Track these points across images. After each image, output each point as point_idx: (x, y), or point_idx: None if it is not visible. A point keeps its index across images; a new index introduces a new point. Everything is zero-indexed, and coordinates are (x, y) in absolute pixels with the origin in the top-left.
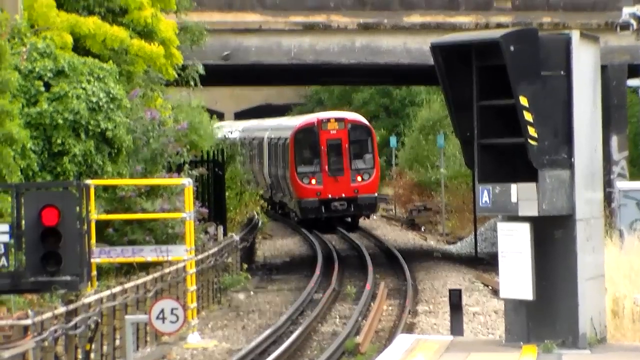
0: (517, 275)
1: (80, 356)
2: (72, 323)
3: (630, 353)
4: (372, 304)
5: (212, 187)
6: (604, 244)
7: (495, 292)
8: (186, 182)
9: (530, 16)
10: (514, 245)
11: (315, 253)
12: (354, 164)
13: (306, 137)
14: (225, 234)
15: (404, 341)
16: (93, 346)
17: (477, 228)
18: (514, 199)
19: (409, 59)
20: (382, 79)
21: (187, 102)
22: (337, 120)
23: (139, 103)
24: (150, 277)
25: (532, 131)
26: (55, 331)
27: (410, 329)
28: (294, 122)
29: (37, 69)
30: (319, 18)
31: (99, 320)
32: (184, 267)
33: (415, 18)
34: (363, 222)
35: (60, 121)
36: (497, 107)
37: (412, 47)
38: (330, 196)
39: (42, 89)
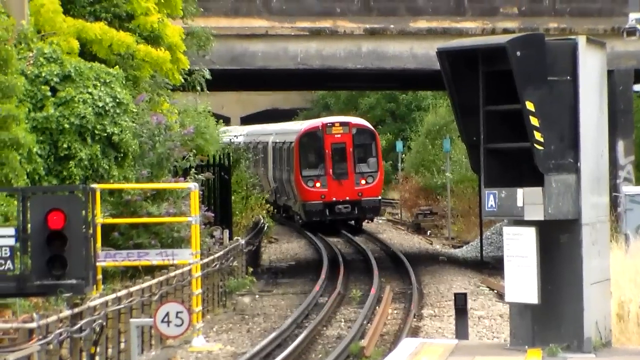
0: (522, 279)
1: (85, 359)
2: (77, 326)
3: (636, 357)
4: (377, 307)
5: (218, 191)
6: (609, 248)
7: (500, 296)
8: (192, 186)
9: (536, 22)
10: (520, 249)
11: (321, 257)
12: (358, 168)
13: (311, 141)
14: (231, 238)
15: (409, 345)
16: (98, 349)
17: (482, 232)
18: (519, 203)
19: (416, 64)
20: (388, 84)
21: (194, 106)
22: (342, 124)
23: (145, 108)
24: (155, 280)
25: (538, 136)
26: (61, 334)
27: (415, 332)
28: (299, 126)
29: (43, 74)
30: (326, 23)
31: (104, 324)
32: (190, 270)
33: (422, 23)
34: (369, 226)
35: (67, 125)
36: (503, 111)
37: (418, 52)
38: (334, 199)
39: (49, 93)
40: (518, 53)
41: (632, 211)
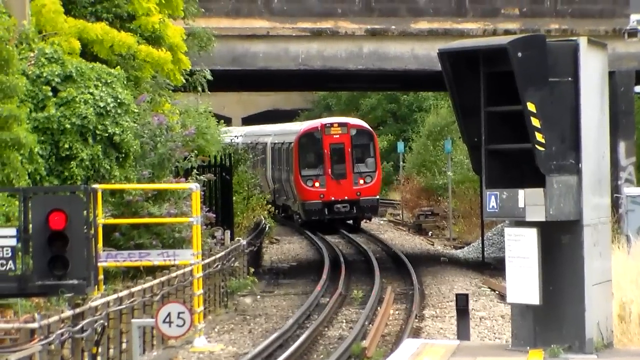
0: (524, 280)
1: (86, 359)
2: (78, 326)
3: (637, 358)
4: (378, 308)
5: (219, 191)
6: (611, 249)
7: (502, 296)
8: (193, 187)
9: (537, 23)
10: (521, 250)
11: (322, 257)
12: (356, 168)
13: (310, 141)
14: (232, 239)
15: (411, 345)
16: (100, 349)
17: (484, 233)
18: (521, 204)
19: (417, 65)
20: (389, 85)
21: (195, 107)
22: (340, 125)
23: (146, 108)
24: (157, 281)
25: (539, 137)
26: (62, 334)
27: (416, 333)
28: (298, 127)
29: (44, 74)
30: (327, 24)
31: (106, 324)
32: (191, 271)
33: (423, 24)
34: (370, 226)
35: (68, 126)
36: (504, 112)
37: (419, 53)
38: (333, 198)
39: (50, 93)
40: (519, 54)
41: (634, 212)
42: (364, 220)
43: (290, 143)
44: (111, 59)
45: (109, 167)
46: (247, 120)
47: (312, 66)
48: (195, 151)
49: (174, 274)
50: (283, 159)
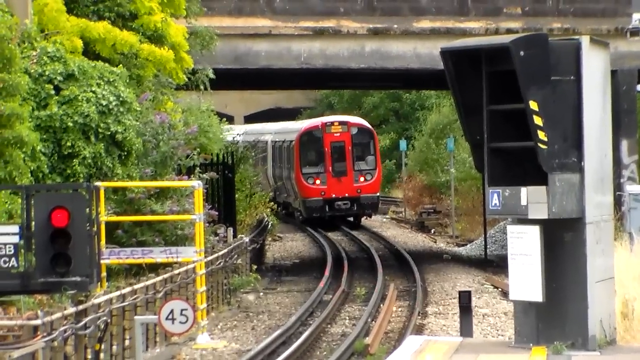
0: (526, 277)
1: (89, 356)
2: (81, 323)
3: None
4: (381, 305)
5: (221, 189)
6: (613, 247)
7: (504, 294)
8: (196, 185)
9: (540, 22)
10: (524, 247)
11: (325, 255)
12: (356, 165)
13: (311, 139)
14: (235, 236)
15: (414, 342)
16: (102, 346)
17: (486, 230)
18: (523, 201)
19: (419, 63)
20: (392, 84)
21: (197, 105)
22: (341, 123)
23: (149, 106)
24: (159, 278)
25: (542, 135)
26: (65, 331)
27: (419, 330)
28: (298, 125)
29: (47, 73)
30: (329, 23)
31: (109, 321)
32: (194, 268)
33: (425, 23)
34: (373, 224)
35: (70, 124)
36: (506, 111)
37: (422, 52)
38: (334, 196)
39: (52, 92)
40: (521, 53)
41: (636, 210)
42: (365, 218)
43: (291, 141)
44: (113, 58)
45: (111, 165)
46: (250, 119)
47: (315, 65)
48: (198, 149)
49: (176, 271)
50: (284, 157)
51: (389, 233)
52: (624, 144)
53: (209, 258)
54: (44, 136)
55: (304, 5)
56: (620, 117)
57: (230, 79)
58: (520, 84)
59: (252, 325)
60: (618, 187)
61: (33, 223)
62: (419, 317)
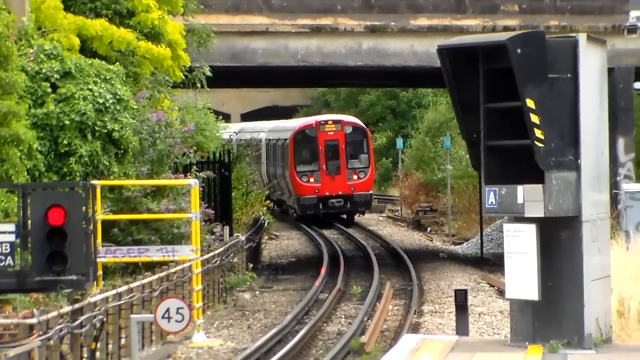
0: (523, 275)
1: (85, 355)
2: (77, 322)
3: (636, 353)
4: (377, 303)
5: (218, 187)
6: (610, 245)
7: (500, 292)
8: (192, 183)
9: (537, 19)
10: (520, 246)
11: (321, 253)
12: (350, 164)
13: (305, 138)
14: (231, 234)
15: (410, 341)
16: (98, 345)
17: (483, 229)
18: (520, 200)
19: (416, 61)
20: (388, 82)
21: (194, 103)
22: (334, 122)
23: (145, 104)
24: (156, 276)
25: (538, 133)
26: (61, 330)
27: (415, 328)
28: (292, 123)
29: (44, 70)
30: (326, 21)
31: (105, 319)
32: (190, 267)
33: (422, 21)
34: (369, 222)
35: (67, 122)
36: (503, 109)
37: (419, 49)
38: (327, 193)
39: (49, 90)
40: (518, 50)
41: (633, 208)
42: (358, 215)
43: (285, 139)
44: (110, 55)
45: (107, 163)
46: (247, 117)
47: (312, 62)
48: (194, 147)
49: (172, 270)
50: (278, 155)
51: (385, 231)
52: (621, 142)
53: (205, 257)
54: (41, 134)
55: (301, 3)
56: (617, 115)
57: (227, 76)
58: (517, 81)
59: (248, 324)
60: (615, 185)
61: (29, 221)
62: (415, 316)
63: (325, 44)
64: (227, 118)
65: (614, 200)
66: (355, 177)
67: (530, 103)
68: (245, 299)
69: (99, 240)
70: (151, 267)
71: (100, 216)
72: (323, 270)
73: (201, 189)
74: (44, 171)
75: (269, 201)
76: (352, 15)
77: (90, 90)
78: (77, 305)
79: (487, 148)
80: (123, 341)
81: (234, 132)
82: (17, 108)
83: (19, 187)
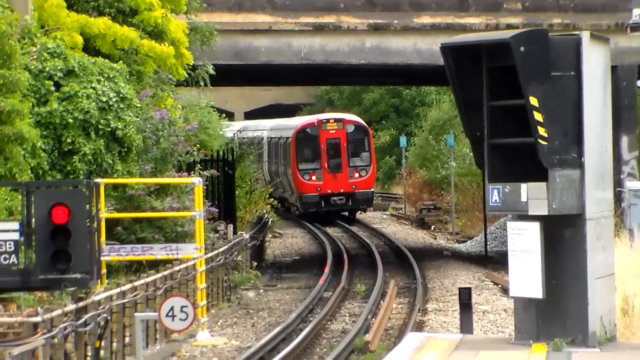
0: (527, 274)
1: (89, 353)
2: (81, 320)
3: None
4: (381, 302)
5: (222, 185)
6: (614, 243)
7: (505, 290)
8: (196, 181)
9: (540, 17)
10: (524, 244)
11: (325, 251)
12: (351, 162)
13: (307, 136)
14: (235, 233)
15: (414, 339)
16: (103, 343)
17: (486, 227)
18: (524, 198)
19: (419, 59)
20: (392, 80)
21: (197, 102)
22: (336, 120)
23: (149, 103)
24: (160, 275)
25: (542, 131)
26: (65, 328)
27: (419, 327)
28: (294, 122)
29: (47, 69)
30: (329, 19)
31: (109, 318)
32: (194, 265)
33: (425, 19)
34: (373, 220)
35: (70, 120)
36: (506, 107)
37: (422, 47)
38: (329, 191)
39: (52, 88)
40: (522, 48)
41: (636, 206)
42: (360, 212)
43: (287, 138)
44: (113, 54)
45: (111, 162)
46: (250, 115)
47: (315, 61)
48: (198, 146)
49: (176, 268)
50: (280, 153)
51: (389, 230)
52: (624, 140)
53: (209, 255)
54: (44, 133)
55: (304, 1)
56: (620, 113)
57: (230, 75)
58: (521, 79)
59: (252, 322)
60: (618, 183)
61: (33, 220)
62: (419, 314)
63: (329, 42)
64: (230, 116)
65: (618, 198)
66: (356, 175)
67: (533, 101)
68: (249, 297)
69: (103, 238)
70: (155, 265)
71: (104, 214)
72: (327, 269)
73: (205, 187)
74: (48, 169)
75: (272, 199)
76: (355, 13)
77: (94, 88)
78: (81, 304)
79: (490, 146)
80: (127, 339)
81: (237, 131)
82: (21, 106)
83: (23, 185)
